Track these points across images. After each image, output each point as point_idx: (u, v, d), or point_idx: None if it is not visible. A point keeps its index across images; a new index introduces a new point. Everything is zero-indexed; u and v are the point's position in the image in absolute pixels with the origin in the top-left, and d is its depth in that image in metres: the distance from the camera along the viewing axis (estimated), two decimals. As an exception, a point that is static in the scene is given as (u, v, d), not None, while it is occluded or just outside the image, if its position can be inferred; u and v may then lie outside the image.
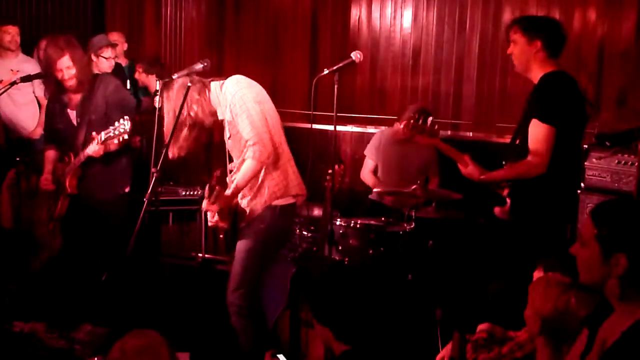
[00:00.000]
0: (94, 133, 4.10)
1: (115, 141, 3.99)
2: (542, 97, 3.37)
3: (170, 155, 3.44)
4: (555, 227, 3.49)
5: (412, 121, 3.51)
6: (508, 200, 3.49)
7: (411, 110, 4.94)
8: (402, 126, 3.53)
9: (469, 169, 3.54)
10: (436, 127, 3.55)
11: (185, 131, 3.47)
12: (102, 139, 4.01)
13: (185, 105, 3.40)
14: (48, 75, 4.30)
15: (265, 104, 3.50)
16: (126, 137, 3.94)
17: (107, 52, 5.55)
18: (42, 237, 4.79)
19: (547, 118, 3.31)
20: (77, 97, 4.31)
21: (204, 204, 3.47)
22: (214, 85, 3.53)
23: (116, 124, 3.91)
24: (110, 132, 3.95)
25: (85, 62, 4.35)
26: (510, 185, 3.51)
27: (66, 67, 4.18)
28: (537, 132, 3.34)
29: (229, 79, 3.52)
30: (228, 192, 3.44)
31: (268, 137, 3.40)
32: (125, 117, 3.91)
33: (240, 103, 3.39)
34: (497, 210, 3.53)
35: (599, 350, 1.90)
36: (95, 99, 4.28)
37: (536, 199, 3.42)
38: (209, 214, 3.55)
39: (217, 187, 3.38)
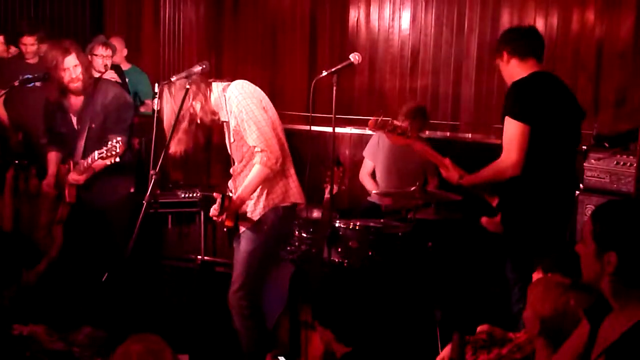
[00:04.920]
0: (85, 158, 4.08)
1: (108, 162, 3.89)
2: (513, 95, 3.34)
3: (170, 150, 3.42)
4: (552, 228, 3.44)
5: (379, 118, 3.49)
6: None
7: (405, 109, 4.96)
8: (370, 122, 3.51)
9: (448, 172, 3.51)
10: (408, 128, 3.53)
11: (184, 124, 3.45)
12: (96, 157, 3.93)
13: (184, 105, 3.39)
14: (48, 78, 4.22)
15: (270, 110, 3.51)
16: (118, 159, 3.85)
17: (100, 50, 5.53)
18: (41, 241, 4.78)
19: (517, 115, 3.26)
20: (77, 103, 4.25)
21: (212, 211, 3.44)
22: (216, 86, 3.52)
23: (109, 144, 3.82)
24: (103, 152, 3.86)
25: (87, 65, 4.29)
26: (498, 195, 3.43)
27: (73, 66, 4.09)
28: (507, 128, 3.30)
29: (233, 83, 3.50)
30: (234, 197, 3.44)
31: (276, 143, 3.42)
32: (118, 138, 3.83)
33: (247, 110, 3.39)
34: (484, 220, 3.47)
35: (600, 350, 1.90)
36: (94, 106, 4.21)
37: (525, 204, 3.35)
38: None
39: (226, 201, 3.35)
